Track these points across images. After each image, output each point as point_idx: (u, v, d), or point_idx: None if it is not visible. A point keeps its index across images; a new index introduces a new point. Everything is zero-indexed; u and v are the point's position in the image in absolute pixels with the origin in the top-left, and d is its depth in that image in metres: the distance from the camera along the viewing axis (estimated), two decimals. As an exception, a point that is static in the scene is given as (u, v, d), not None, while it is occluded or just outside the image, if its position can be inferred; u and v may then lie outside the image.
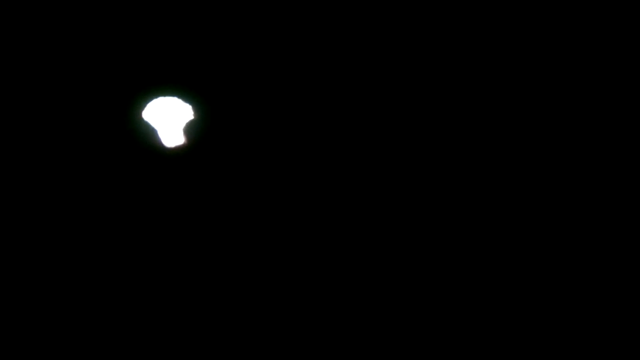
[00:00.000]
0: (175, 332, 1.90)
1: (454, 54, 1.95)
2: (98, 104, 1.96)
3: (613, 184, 1.90)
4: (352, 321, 1.90)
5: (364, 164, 1.98)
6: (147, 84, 1.98)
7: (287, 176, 2.01)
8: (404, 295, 1.91)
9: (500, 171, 1.94)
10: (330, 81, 1.99)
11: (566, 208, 1.91)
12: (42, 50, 1.90)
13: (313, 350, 1.88)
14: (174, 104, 2.02)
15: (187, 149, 2.01)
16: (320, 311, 1.91)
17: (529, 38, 1.93)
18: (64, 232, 1.94)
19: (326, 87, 1.99)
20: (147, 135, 2.00)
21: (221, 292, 1.95)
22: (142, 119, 1.99)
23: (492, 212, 1.93)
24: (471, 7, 1.90)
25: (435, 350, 1.85)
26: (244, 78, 2.00)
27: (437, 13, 1.92)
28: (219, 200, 2.01)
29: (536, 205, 1.92)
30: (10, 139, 1.92)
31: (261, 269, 1.96)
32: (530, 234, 1.91)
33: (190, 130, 2.02)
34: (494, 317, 1.87)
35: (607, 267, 1.86)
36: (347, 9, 1.93)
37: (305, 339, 1.89)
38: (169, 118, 2.02)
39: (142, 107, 1.99)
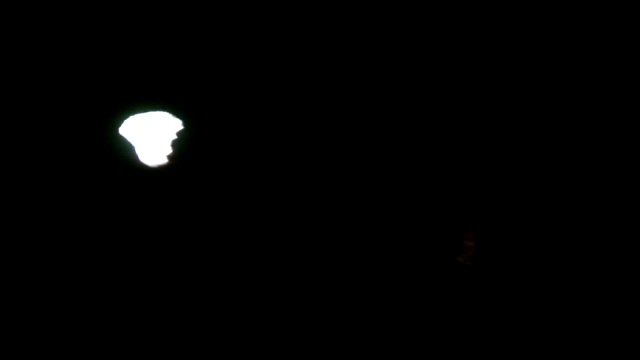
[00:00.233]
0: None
1: (454, 54, 1.95)
2: (78, 118, 1.98)
3: (613, 184, 1.88)
4: (351, 321, 1.88)
5: (349, 181, 1.98)
6: (125, 101, 2.00)
7: (265, 191, 2.01)
8: (404, 295, 1.89)
9: (500, 171, 1.93)
10: (314, 97, 2.00)
11: (566, 208, 1.89)
12: (23, 66, 1.93)
13: (313, 350, 1.87)
14: (153, 119, 2.04)
15: (166, 165, 2.02)
16: (314, 313, 1.90)
17: (529, 38, 1.92)
18: (38, 245, 1.94)
19: (309, 105, 2.00)
20: (125, 151, 2.01)
21: (202, 307, 1.94)
22: (119, 135, 2.01)
23: (493, 212, 1.92)
24: (471, 7, 1.90)
25: (435, 350, 1.83)
26: (224, 94, 2.02)
27: (437, 13, 1.92)
28: (195, 215, 2.01)
29: (536, 205, 1.91)
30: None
31: (242, 283, 1.96)
32: (530, 234, 1.90)
33: (171, 146, 2.03)
34: (494, 317, 1.85)
35: (607, 267, 1.84)
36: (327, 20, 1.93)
37: (304, 339, 1.88)
38: (147, 134, 2.04)
39: (119, 123, 2.02)
